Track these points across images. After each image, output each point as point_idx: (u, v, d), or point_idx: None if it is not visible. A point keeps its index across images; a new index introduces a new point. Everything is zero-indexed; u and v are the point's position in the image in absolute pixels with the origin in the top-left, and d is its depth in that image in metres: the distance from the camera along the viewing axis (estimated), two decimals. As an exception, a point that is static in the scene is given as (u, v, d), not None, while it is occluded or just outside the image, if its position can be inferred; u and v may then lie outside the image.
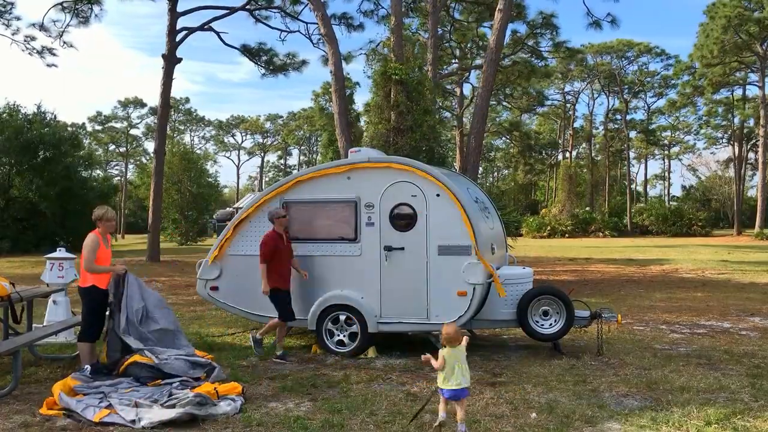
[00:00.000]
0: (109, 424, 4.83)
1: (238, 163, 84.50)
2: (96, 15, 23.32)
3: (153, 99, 66.95)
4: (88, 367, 5.93)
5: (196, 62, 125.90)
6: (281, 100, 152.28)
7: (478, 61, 32.88)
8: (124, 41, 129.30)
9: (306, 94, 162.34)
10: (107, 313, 6.26)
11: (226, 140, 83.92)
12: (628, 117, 61.58)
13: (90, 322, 6.28)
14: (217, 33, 23.51)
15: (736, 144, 53.10)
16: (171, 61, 22.48)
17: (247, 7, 23.81)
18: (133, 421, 4.84)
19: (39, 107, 30.49)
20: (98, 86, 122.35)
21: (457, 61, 36.16)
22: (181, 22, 22.64)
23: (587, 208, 56.00)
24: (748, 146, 54.12)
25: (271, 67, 25.69)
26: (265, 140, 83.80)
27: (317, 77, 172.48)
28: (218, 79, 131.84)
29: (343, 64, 17.88)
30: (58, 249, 8.35)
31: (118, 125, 70.33)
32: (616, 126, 63.87)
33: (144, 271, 17.83)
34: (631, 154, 67.38)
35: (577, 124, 64.40)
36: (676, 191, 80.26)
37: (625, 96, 59.72)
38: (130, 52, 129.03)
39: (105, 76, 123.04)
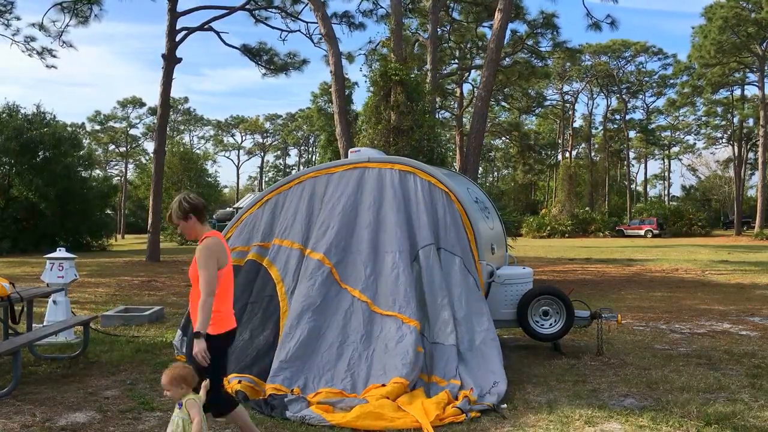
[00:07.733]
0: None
1: (238, 163, 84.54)
2: (96, 15, 23.30)
3: (152, 100, 66.84)
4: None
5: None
6: (257, 108, 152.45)
7: (478, 61, 32.93)
8: (123, 57, 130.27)
9: (285, 104, 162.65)
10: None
11: (225, 140, 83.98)
12: (627, 117, 61.63)
13: None
14: (217, 33, 23.51)
15: (735, 144, 53.13)
16: (171, 60, 22.47)
17: (247, 6, 23.81)
18: None
19: (38, 107, 30.51)
20: (97, 93, 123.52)
21: (456, 61, 36.20)
22: (181, 23, 22.67)
23: (587, 208, 56.01)
24: (748, 146, 54.13)
25: (271, 67, 25.70)
26: (265, 140, 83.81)
27: (299, 85, 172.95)
28: (192, 90, 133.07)
29: (344, 63, 17.91)
30: (58, 249, 8.34)
31: (117, 125, 70.31)
32: (615, 126, 63.91)
33: (144, 271, 17.83)
34: (631, 154, 67.45)
35: (576, 124, 64.50)
36: (676, 191, 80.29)
37: (623, 96, 59.74)
38: (129, 64, 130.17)
39: (104, 85, 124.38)
